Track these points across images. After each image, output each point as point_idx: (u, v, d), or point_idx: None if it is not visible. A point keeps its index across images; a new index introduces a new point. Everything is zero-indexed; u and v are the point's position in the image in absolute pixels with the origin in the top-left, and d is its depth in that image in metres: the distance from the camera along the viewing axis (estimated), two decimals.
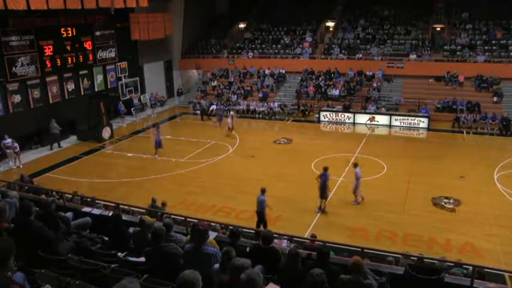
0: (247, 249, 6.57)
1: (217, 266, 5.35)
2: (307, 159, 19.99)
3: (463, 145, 23.22)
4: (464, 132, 24.78)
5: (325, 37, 34.69)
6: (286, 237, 10.72)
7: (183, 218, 9.10)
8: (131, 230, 7.33)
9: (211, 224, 9.89)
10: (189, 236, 6.90)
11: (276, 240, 9.05)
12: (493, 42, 29.87)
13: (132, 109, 29.35)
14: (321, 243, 9.12)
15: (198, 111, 30.37)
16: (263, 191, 13.24)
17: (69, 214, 8.33)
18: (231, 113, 26.45)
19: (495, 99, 26.83)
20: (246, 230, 10.16)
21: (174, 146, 23.00)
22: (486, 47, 29.56)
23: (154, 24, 29.97)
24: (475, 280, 6.36)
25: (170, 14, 31.49)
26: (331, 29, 34.70)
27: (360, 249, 7.70)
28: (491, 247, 12.38)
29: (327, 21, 34.60)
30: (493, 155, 20.57)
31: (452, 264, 8.96)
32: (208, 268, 5.23)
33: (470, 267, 7.24)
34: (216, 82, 33.40)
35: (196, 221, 8.39)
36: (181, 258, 5.58)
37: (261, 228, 12.50)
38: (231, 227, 8.95)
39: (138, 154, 21.71)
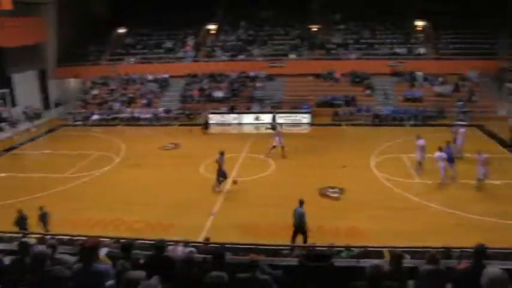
0: (141, 261, 6.28)
1: (110, 282, 4.99)
2: (195, 162, 19.77)
3: (342, 137, 24.84)
4: (343, 125, 26.42)
5: (207, 40, 34.75)
6: (181, 243, 10.43)
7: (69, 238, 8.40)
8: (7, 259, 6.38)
9: (101, 239, 9.25)
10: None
11: (170, 247, 8.76)
12: (362, 41, 32.31)
13: (2, 124, 26.62)
14: (216, 245, 9.03)
15: (79, 122, 28.73)
16: (301, 203, 12.16)
17: None
18: (279, 128, 21.67)
19: (368, 92, 29.03)
20: (140, 242, 9.66)
21: (56, 160, 21.34)
22: (357, 46, 31.89)
23: (22, 29, 27.32)
24: (361, 260, 6.68)
25: (42, 19, 29.19)
26: (212, 32, 34.81)
27: (253, 246, 7.74)
28: (375, 228, 13.18)
29: (208, 24, 34.66)
30: (368, 144, 22.21)
31: (342, 249, 9.37)
32: (100, 286, 4.89)
33: (357, 249, 7.65)
34: (97, 91, 31.71)
35: (84, 238, 7.78)
36: (70, 280, 5.07)
37: (305, 241, 12.03)
38: (122, 240, 8.45)
39: (12, 173, 19.74)
